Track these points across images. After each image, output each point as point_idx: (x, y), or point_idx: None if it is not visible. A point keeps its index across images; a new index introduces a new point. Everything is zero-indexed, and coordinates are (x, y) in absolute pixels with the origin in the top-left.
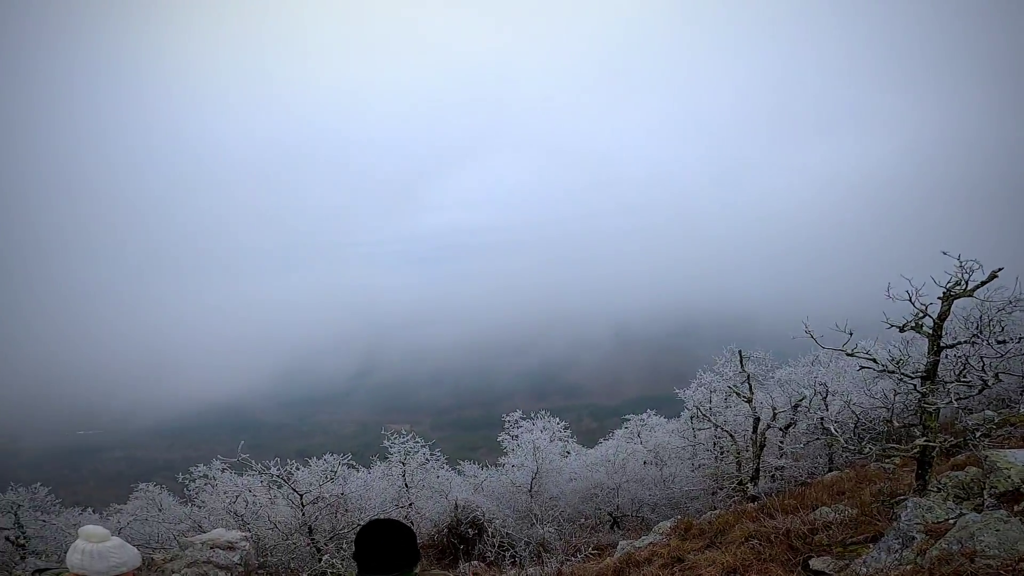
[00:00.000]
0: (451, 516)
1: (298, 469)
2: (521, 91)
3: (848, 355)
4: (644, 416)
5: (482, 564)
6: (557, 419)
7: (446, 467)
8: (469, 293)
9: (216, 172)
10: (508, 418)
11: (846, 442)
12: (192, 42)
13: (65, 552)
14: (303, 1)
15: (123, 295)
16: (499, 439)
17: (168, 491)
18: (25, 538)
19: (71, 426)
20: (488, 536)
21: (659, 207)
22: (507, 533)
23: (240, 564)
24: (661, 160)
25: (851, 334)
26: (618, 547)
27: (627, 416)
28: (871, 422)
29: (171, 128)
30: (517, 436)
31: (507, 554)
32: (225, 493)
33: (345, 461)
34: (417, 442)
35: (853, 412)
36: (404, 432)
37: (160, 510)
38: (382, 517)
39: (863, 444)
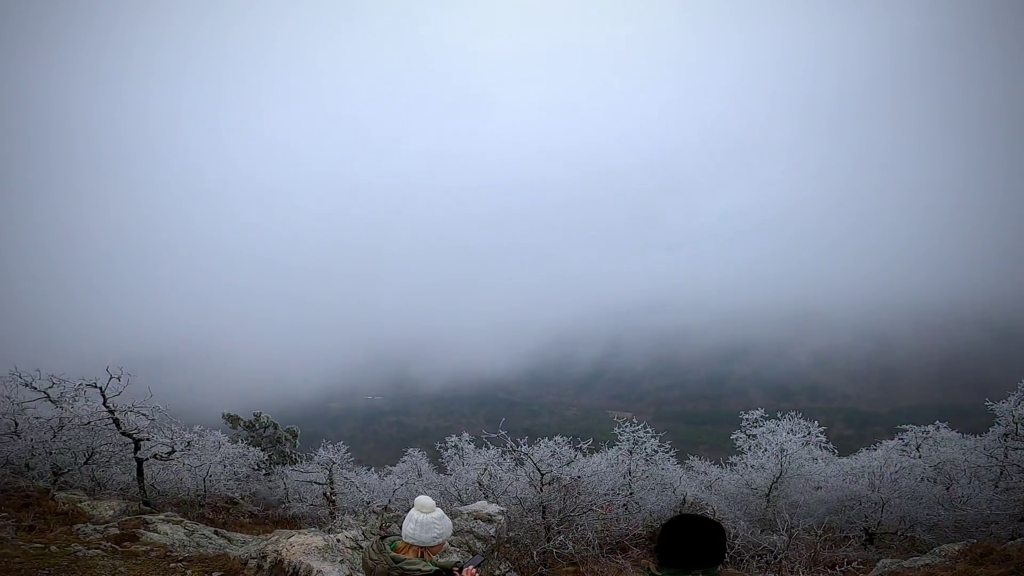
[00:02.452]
0: (675, 511)
1: (534, 448)
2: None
3: None
4: (929, 428)
5: None
6: (815, 422)
7: (673, 460)
8: (710, 279)
9: (493, 178)
10: (747, 416)
11: None
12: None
13: (357, 509)
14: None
15: (434, 286)
16: (732, 437)
17: (427, 458)
18: (335, 494)
19: (367, 391)
20: None
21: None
22: (738, 535)
23: (494, 537)
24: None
25: None
26: (879, 564)
27: (903, 426)
28: None
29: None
30: (756, 436)
31: (745, 558)
32: (473, 465)
33: (584, 445)
34: (647, 432)
35: None
36: (635, 421)
37: (419, 475)
38: (690, 512)
39: None
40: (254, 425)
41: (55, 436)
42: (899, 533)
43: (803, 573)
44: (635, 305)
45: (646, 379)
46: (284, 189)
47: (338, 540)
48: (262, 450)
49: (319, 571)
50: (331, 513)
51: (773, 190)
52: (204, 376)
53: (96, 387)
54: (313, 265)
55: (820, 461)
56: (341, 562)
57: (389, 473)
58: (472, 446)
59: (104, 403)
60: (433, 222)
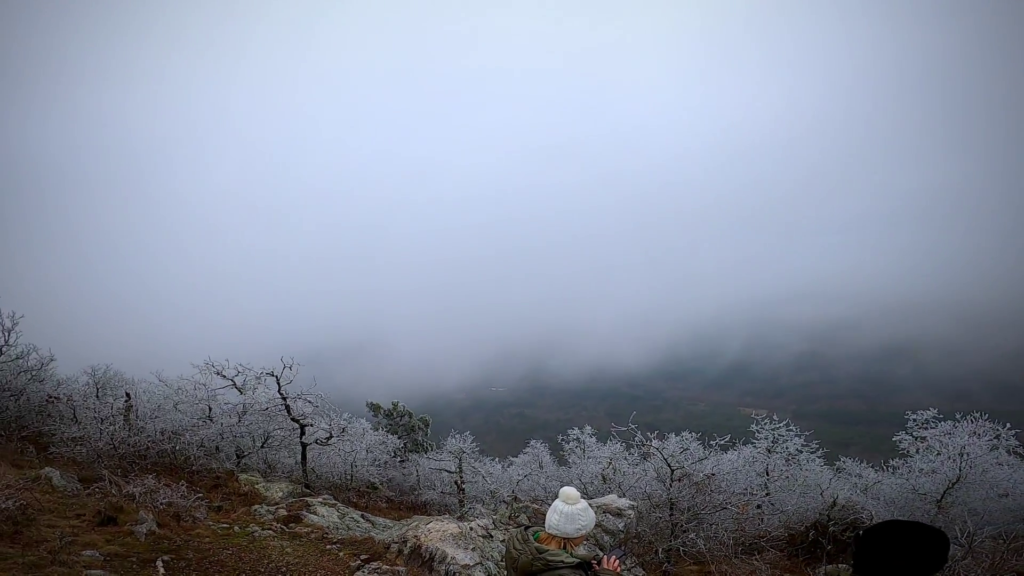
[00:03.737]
0: (822, 514)
1: (664, 443)
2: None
3: None
4: None
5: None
6: (1007, 424)
7: (819, 461)
8: (866, 269)
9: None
10: (914, 416)
11: None
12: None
13: (484, 498)
14: None
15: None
16: (894, 438)
17: (548, 449)
18: (464, 482)
19: (500, 383)
20: None
21: None
22: None
23: (622, 531)
24: None
25: None
26: None
27: None
28: None
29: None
30: (925, 438)
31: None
32: (595, 458)
33: (719, 441)
34: (790, 430)
35: None
36: (775, 418)
37: (541, 467)
38: (901, 519)
39: None
40: (392, 413)
41: (239, 421)
42: None
43: None
44: (778, 296)
45: (784, 375)
46: (439, 205)
47: (470, 528)
48: (398, 438)
49: (452, 557)
50: (460, 501)
51: (938, 172)
52: (363, 369)
53: (272, 375)
54: (467, 273)
55: (1006, 466)
56: (472, 549)
57: (511, 464)
58: (594, 439)
59: (279, 390)
60: (574, 215)
